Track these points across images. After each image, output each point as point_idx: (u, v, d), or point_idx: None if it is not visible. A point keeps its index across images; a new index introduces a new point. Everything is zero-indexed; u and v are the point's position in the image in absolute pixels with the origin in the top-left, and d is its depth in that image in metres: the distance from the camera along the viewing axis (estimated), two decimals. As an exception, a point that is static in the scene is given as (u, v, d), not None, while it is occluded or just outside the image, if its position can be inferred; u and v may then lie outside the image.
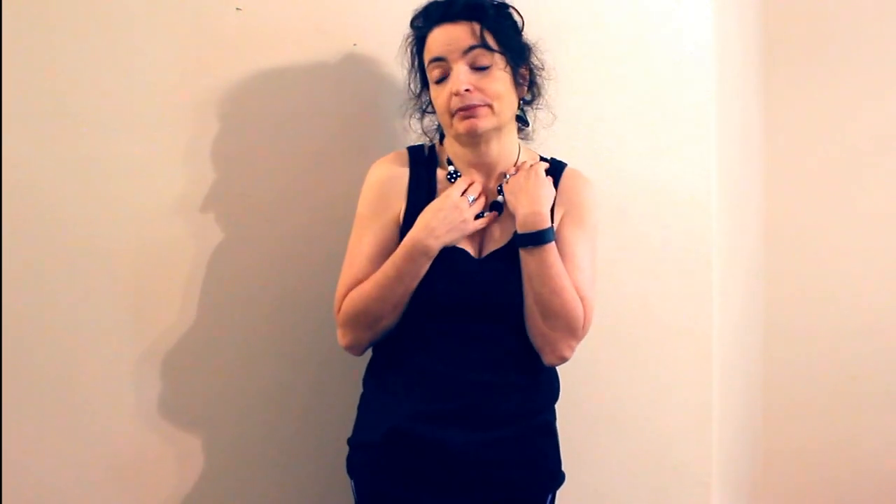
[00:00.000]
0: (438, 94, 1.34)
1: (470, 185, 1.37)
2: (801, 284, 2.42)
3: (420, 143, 1.49)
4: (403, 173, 1.40)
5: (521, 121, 1.44)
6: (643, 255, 1.77)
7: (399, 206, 1.38)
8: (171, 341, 1.52)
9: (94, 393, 1.48)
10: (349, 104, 1.61)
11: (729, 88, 1.95)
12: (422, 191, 1.38)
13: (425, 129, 1.49)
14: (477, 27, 1.32)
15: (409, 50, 1.42)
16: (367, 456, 1.39)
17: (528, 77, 1.41)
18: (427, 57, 1.35)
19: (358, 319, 1.35)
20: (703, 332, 1.80)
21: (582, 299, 1.35)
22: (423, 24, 1.37)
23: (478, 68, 1.32)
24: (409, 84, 1.44)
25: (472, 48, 1.31)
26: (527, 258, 1.32)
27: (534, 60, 1.42)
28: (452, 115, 1.33)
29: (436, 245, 1.32)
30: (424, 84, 1.42)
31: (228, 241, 1.55)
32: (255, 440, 1.59)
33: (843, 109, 2.37)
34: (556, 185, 1.41)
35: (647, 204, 1.76)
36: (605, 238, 1.71)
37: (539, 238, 1.31)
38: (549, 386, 1.43)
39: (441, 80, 1.34)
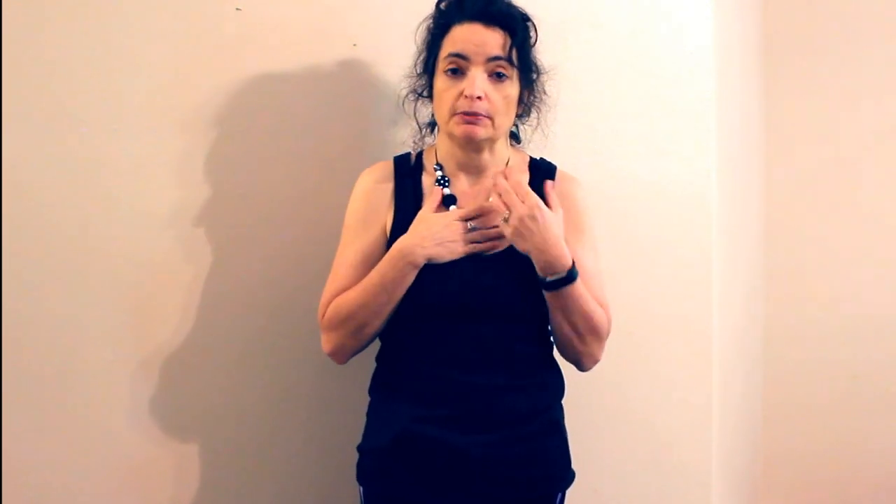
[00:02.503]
0: (447, 88, 1.33)
1: (478, 215, 1.33)
2: (801, 284, 2.42)
3: (408, 149, 1.48)
4: (389, 185, 1.40)
5: (514, 137, 1.45)
6: (643, 254, 1.77)
7: (386, 216, 1.39)
8: (169, 345, 1.52)
9: (93, 397, 1.48)
10: (349, 105, 1.61)
11: (729, 88, 1.95)
12: (408, 200, 1.38)
13: (418, 119, 1.46)
14: (508, 39, 1.31)
15: (428, 30, 1.39)
16: (376, 461, 1.39)
17: (527, 96, 1.40)
18: (449, 48, 1.33)
19: (341, 325, 1.35)
20: (703, 332, 1.79)
21: (602, 306, 1.37)
22: (454, 12, 1.34)
23: (495, 76, 1.32)
24: (415, 64, 1.42)
25: (497, 58, 1.31)
26: (556, 297, 1.31)
27: (538, 85, 1.42)
28: (453, 115, 1.32)
29: (420, 254, 1.30)
30: (428, 69, 1.39)
31: (227, 245, 1.55)
32: (255, 446, 1.59)
33: (843, 109, 2.37)
34: None
35: (647, 204, 1.76)
36: (605, 238, 1.71)
37: (567, 280, 1.29)
38: (553, 384, 1.43)
39: (454, 72, 1.32)
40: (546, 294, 1.31)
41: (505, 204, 1.28)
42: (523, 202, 1.27)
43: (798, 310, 2.43)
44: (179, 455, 1.55)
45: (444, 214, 1.33)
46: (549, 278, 1.29)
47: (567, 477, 1.43)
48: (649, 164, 1.76)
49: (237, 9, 1.53)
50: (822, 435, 2.43)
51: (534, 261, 1.29)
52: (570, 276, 1.29)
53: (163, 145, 1.50)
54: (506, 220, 1.29)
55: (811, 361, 2.42)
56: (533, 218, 1.26)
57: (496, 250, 1.33)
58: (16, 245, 1.42)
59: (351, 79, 1.60)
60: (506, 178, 1.29)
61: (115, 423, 1.50)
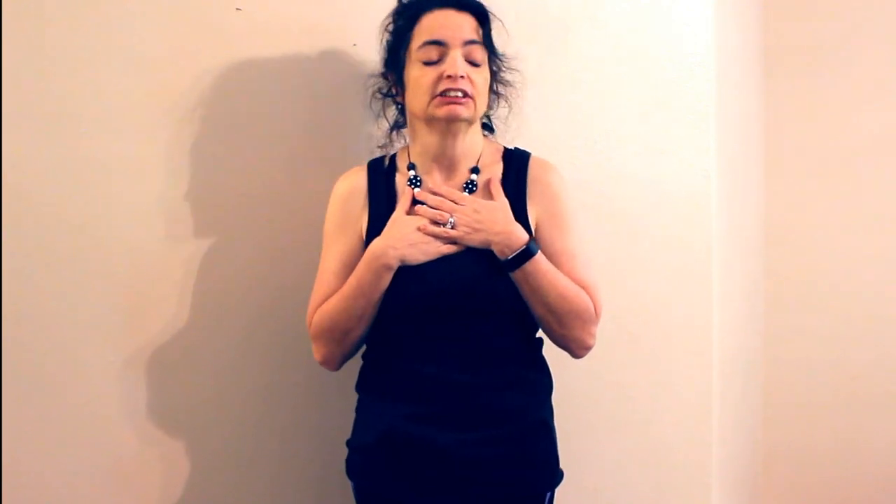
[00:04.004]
0: (425, 73, 1.32)
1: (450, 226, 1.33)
2: (801, 284, 2.42)
3: (382, 153, 1.48)
4: (362, 187, 1.40)
5: (487, 127, 1.47)
6: (643, 254, 1.77)
7: (361, 219, 1.39)
8: (161, 344, 1.53)
9: (86, 395, 1.49)
10: (349, 104, 1.61)
11: (729, 88, 1.95)
12: (381, 202, 1.38)
13: (388, 116, 1.47)
14: (478, 24, 1.34)
15: (390, 27, 1.40)
16: (363, 458, 1.40)
17: (496, 86, 1.42)
18: (422, 37, 1.33)
19: (327, 334, 1.36)
20: (703, 332, 1.79)
21: (585, 287, 1.36)
22: (421, 2, 1.35)
23: (470, 63, 1.33)
24: (385, 61, 1.42)
25: (472, 41, 1.32)
26: (521, 277, 1.31)
27: (502, 74, 1.43)
28: (434, 98, 1.32)
29: (393, 255, 1.30)
30: (395, 65, 1.39)
31: (219, 244, 1.55)
32: (247, 442, 1.59)
33: (843, 109, 2.37)
34: (521, 177, 1.40)
35: (647, 204, 1.76)
36: (605, 238, 1.71)
37: (525, 256, 1.31)
38: (541, 382, 1.43)
39: (432, 63, 1.32)
40: (513, 277, 1.31)
41: (446, 213, 1.33)
42: (458, 204, 1.34)
43: (798, 310, 2.42)
44: (171, 452, 1.55)
45: (416, 217, 1.34)
46: (508, 257, 1.30)
47: (555, 476, 1.42)
48: (649, 164, 1.76)
49: (237, 9, 1.53)
50: (822, 435, 2.43)
51: (493, 250, 1.31)
52: (529, 249, 1.31)
53: (163, 146, 1.50)
54: (452, 227, 1.33)
55: (811, 361, 2.42)
56: (475, 211, 1.33)
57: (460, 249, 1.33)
58: (13, 244, 1.42)
59: (351, 79, 1.60)
60: (432, 192, 1.35)
61: (107, 420, 1.50)
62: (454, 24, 1.32)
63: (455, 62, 1.30)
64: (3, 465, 1.42)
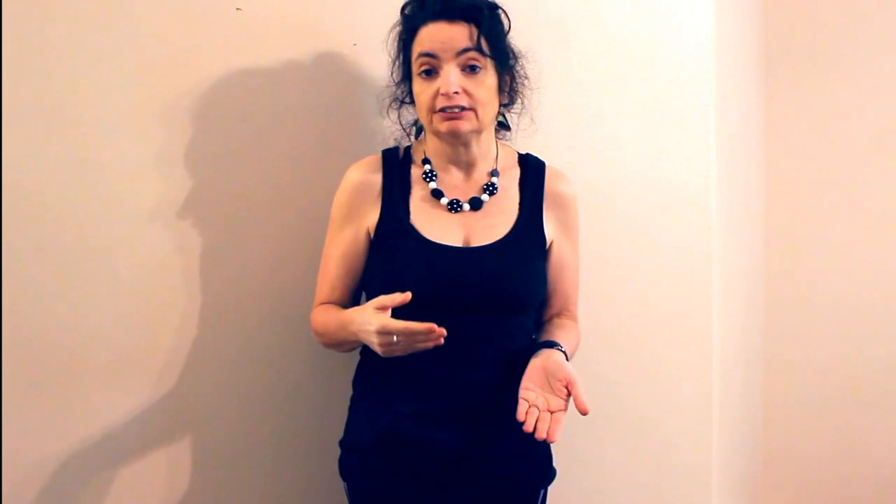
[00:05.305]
0: (423, 90, 1.32)
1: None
2: (801, 284, 2.43)
3: (395, 144, 1.49)
4: (377, 178, 1.39)
5: (503, 126, 1.45)
6: (643, 254, 1.77)
7: (372, 213, 1.38)
8: (162, 342, 1.52)
9: (87, 394, 1.48)
10: (349, 104, 1.61)
11: (729, 88, 1.95)
12: (395, 191, 1.38)
13: (402, 122, 1.48)
14: (474, 30, 1.31)
15: (396, 38, 1.40)
16: (358, 457, 1.40)
17: (509, 83, 1.40)
18: (418, 50, 1.33)
19: (320, 337, 1.42)
20: (703, 332, 1.80)
21: (571, 301, 1.46)
22: (417, 15, 1.35)
23: (468, 69, 1.31)
24: (392, 73, 1.43)
25: (466, 50, 1.31)
26: None
27: (518, 69, 1.41)
28: (434, 113, 1.32)
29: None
30: (405, 75, 1.40)
31: (218, 241, 1.55)
32: (243, 440, 1.59)
33: (843, 109, 2.37)
34: (539, 185, 1.42)
35: (647, 204, 1.77)
36: (605, 238, 1.72)
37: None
38: None
39: (428, 72, 1.32)
40: None
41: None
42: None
43: (798, 310, 2.43)
44: (170, 451, 1.55)
45: (369, 320, 1.23)
46: None
47: (549, 474, 1.44)
48: (649, 164, 1.76)
49: (237, 9, 1.53)
50: (822, 434, 2.43)
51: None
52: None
53: (163, 146, 1.50)
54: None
55: (811, 361, 2.42)
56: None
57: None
58: (14, 244, 1.42)
59: (351, 78, 1.60)
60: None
61: (107, 419, 1.50)
62: (445, 37, 1.30)
63: (448, 78, 1.29)
64: (4, 465, 1.42)
